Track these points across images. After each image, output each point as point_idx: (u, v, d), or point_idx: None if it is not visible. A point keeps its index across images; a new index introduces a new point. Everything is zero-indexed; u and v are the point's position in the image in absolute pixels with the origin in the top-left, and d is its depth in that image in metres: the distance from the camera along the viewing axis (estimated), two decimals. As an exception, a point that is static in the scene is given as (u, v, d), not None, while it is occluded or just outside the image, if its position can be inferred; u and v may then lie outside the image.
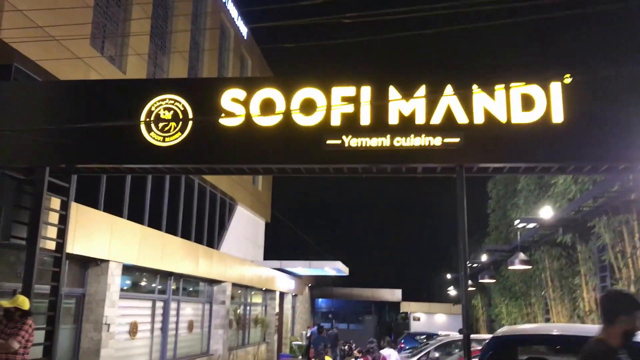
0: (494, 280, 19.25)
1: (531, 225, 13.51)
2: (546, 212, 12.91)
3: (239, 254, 22.85)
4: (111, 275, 11.38)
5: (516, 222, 13.73)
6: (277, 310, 25.99)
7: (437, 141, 7.98)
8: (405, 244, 52.23)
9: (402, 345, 28.48)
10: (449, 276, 32.73)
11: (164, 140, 8.50)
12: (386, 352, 13.58)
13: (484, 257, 24.07)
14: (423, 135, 8.01)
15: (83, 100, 8.98)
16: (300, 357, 27.36)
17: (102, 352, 10.95)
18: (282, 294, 27.42)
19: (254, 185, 26.86)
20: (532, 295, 19.60)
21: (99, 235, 10.94)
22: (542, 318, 18.87)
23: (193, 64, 17.56)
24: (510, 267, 13.71)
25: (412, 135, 8.03)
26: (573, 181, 12.54)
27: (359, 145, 8.09)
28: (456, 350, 16.57)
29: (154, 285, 14.65)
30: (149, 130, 8.55)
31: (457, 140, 7.98)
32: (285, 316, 27.84)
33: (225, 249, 21.96)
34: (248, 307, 22.97)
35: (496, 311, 24.91)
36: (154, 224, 14.84)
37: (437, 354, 15.49)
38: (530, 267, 13.77)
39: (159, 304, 14.84)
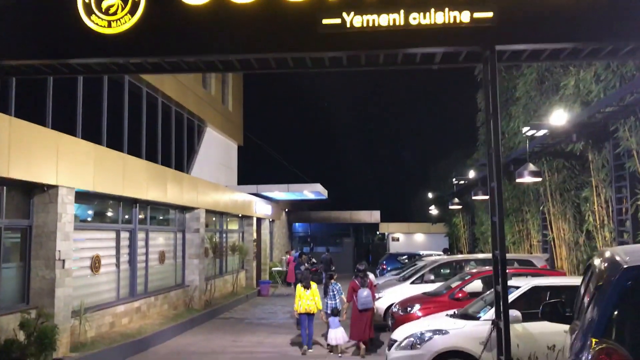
0: (486, 197, 18.07)
1: (540, 133, 12.06)
2: (558, 118, 11.43)
3: (212, 180, 21.17)
4: (62, 204, 9.61)
5: (524, 129, 12.25)
6: (254, 236, 24.70)
7: (464, 16, 6.23)
8: (384, 164, 51.11)
9: (384, 267, 27.73)
10: (430, 195, 31.76)
11: (109, 26, 6.55)
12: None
13: (471, 174, 22.90)
14: (447, 10, 6.24)
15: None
16: (280, 283, 26.43)
17: (57, 292, 9.36)
18: (259, 220, 26.08)
19: (223, 105, 24.84)
20: (526, 212, 18.56)
21: (43, 156, 9.07)
22: (538, 235, 17.91)
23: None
24: (518, 180, 12.40)
25: (433, 10, 6.25)
26: (594, 80, 11.01)
27: (364, 24, 6.29)
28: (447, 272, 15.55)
29: (117, 214, 12.95)
30: (89, 12, 6.56)
31: (489, 14, 6.24)
32: (263, 242, 26.64)
33: (197, 173, 20.24)
34: (224, 235, 21.57)
35: (482, 229, 24.06)
36: (113, 145, 12.95)
37: (432, 276, 14.37)
38: (540, 179, 12.44)
39: (124, 235, 13.21)
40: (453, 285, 12.62)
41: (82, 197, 11.18)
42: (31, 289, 9.35)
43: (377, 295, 13.82)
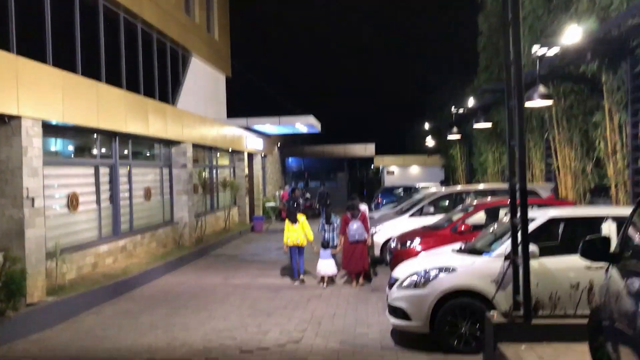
0: (489, 125, 17.21)
1: (552, 52, 11.03)
2: (572, 34, 10.40)
3: (200, 112, 20.11)
4: (27, 136, 8.67)
5: (534, 48, 11.20)
6: (246, 172, 23.90)
7: None
8: (378, 96, 49.51)
9: (380, 200, 27.18)
10: (426, 126, 30.78)
11: None
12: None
13: (471, 102, 21.91)
14: None
15: None
16: (274, 219, 25.89)
17: (27, 233, 8.58)
18: (250, 155, 25.20)
19: (209, 34, 23.42)
20: (528, 139, 17.72)
21: (-1, 82, 8.05)
22: (540, 164, 17.19)
23: None
24: (528, 104, 11.45)
25: None
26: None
27: None
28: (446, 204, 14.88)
29: (95, 149, 12.03)
30: None
31: None
32: (255, 178, 25.87)
33: (183, 107, 19.15)
34: (214, 170, 20.75)
35: (481, 159, 23.35)
36: (90, 75, 11.83)
37: (431, 209, 13.70)
38: (551, 101, 11.50)
39: (104, 171, 12.34)
40: (455, 218, 11.98)
41: (53, 130, 10.25)
42: (-1, 230, 8.57)
43: (373, 230, 13.25)
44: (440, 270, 6.93)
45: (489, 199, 12.57)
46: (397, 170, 37.23)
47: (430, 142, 30.98)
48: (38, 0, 11.52)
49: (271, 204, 26.80)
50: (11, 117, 8.47)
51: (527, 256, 5.55)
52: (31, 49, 10.91)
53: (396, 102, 45.43)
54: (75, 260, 10.57)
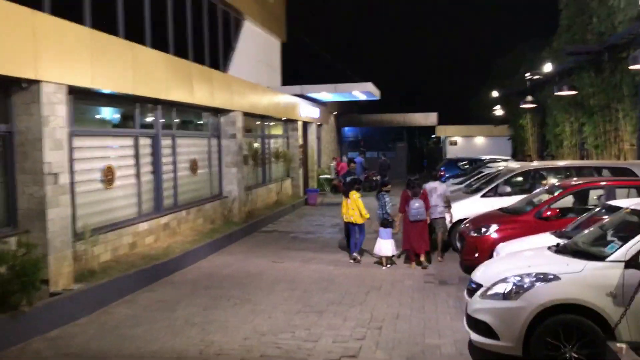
0: (574, 92, 15.16)
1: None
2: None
3: (253, 79, 18.89)
4: (48, 104, 7.61)
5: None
6: (300, 142, 22.62)
7: None
8: (441, 61, 46.77)
9: (442, 173, 25.38)
10: (495, 94, 28.46)
11: None
12: (430, 185, 11.28)
13: (547, 67, 19.71)
14: None
15: None
16: (328, 191, 24.63)
17: (49, 214, 7.59)
18: (305, 124, 23.87)
19: (262, -5, 21.96)
20: (619, 110, 15.58)
21: (9, 39, 6.96)
22: (632, 137, 15.08)
23: None
24: (632, 67, 9.59)
25: None
26: None
27: None
28: (528, 185, 13.11)
29: (133, 118, 10.97)
30: None
31: None
32: (310, 148, 24.57)
33: (235, 73, 17.97)
34: (267, 140, 19.57)
35: (557, 130, 21.17)
36: (133, 39, 10.70)
37: (507, 189, 12.02)
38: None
39: (145, 142, 11.29)
40: (537, 201, 10.32)
41: (85, 96, 9.20)
42: (19, 210, 7.61)
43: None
44: (538, 277, 5.43)
45: (578, 179, 10.77)
46: (460, 141, 35.15)
47: (498, 111, 28.73)
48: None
49: (326, 175, 25.52)
50: (29, 82, 7.41)
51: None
52: (67, 9, 9.90)
53: (460, 68, 42.84)
54: (110, 241, 9.62)
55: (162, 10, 14.15)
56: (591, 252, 5.70)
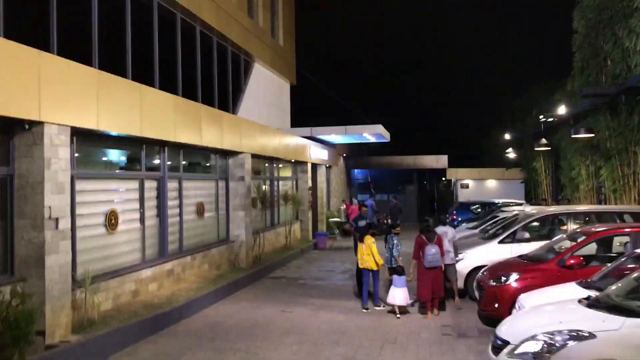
0: (591, 135, 14.80)
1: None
2: None
3: (262, 121, 18.76)
4: (51, 146, 7.36)
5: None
6: (309, 184, 22.32)
7: None
8: (450, 103, 46.71)
9: (455, 217, 24.90)
10: (507, 136, 28.15)
11: None
12: (440, 229, 11.13)
13: (562, 110, 19.45)
14: None
15: None
16: (338, 234, 24.17)
17: (48, 260, 7.22)
18: (314, 166, 23.62)
19: (273, 39, 22.11)
20: (638, 153, 15.19)
21: (15, 80, 6.76)
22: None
23: None
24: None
25: None
26: None
27: None
28: (550, 229, 12.63)
29: (140, 160, 10.72)
30: None
31: None
32: (319, 190, 24.24)
33: (244, 115, 17.87)
34: (275, 182, 19.28)
35: (572, 174, 20.71)
36: (142, 80, 10.55)
37: (526, 234, 11.55)
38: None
39: (150, 185, 11.01)
40: (557, 247, 9.85)
41: (89, 138, 8.97)
42: (16, 257, 7.26)
43: (458, 256, 11.41)
44: (571, 335, 4.97)
45: (600, 225, 10.31)
46: (471, 184, 34.66)
47: (511, 153, 28.36)
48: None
49: (335, 219, 25.08)
50: (32, 123, 7.18)
51: None
52: (74, 50, 9.80)
53: (471, 109, 42.78)
54: (111, 288, 9.21)
55: (171, 52, 14.12)
56: (629, 307, 5.23)
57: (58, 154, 7.48)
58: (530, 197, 24.88)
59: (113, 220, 9.56)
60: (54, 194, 7.39)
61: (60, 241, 7.47)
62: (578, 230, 9.91)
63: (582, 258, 8.85)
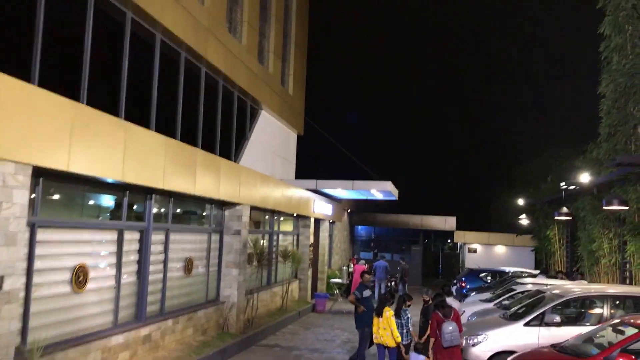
0: (625, 208, 13.45)
1: None
2: None
3: (266, 171, 17.57)
4: (3, 187, 6.07)
5: None
6: (311, 240, 20.90)
7: None
8: (461, 165, 45.78)
9: (463, 285, 23.33)
10: (520, 202, 26.83)
11: None
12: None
13: (584, 177, 18.18)
14: None
15: None
16: (339, 295, 22.52)
17: (-15, 329, 5.81)
18: (317, 221, 22.27)
19: (282, 87, 21.20)
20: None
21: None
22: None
23: None
24: None
25: None
26: None
27: None
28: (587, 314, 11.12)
29: (119, 208, 9.40)
30: None
31: None
32: (321, 247, 22.78)
33: (247, 163, 16.69)
34: (275, 237, 17.88)
35: (593, 246, 19.26)
36: (139, 122, 9.37)
37: (557, 318, 10.05)
38: None
39: (131, 237, 9.65)
40: (601, 340, 8.37)
41: (59, 180, 7.70)
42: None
43: (477, 339, 9.97)
44: None
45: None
46: (479, 249, 33.14)
47: (524, 220, 27.00)
48: (77, 27, 9.45)
49: (337, 280, 23.48)
50: (-20, 160, 5.91)
51: None
52: (62, 84, 8.69)
53: (481, 171, 41.71)
54: (71, 359, 7.73)
55: (173, 92, 13.06)
56: None
57: (12, 197, 6.18)
58: (545, 269, 23.30)
59: (81, 277, 8.16)
60: (2, 246, 6.05)
61: (3, 305, 6.07)
62: (625, 319, 8.43)
63: (634, 357, 7.39)
